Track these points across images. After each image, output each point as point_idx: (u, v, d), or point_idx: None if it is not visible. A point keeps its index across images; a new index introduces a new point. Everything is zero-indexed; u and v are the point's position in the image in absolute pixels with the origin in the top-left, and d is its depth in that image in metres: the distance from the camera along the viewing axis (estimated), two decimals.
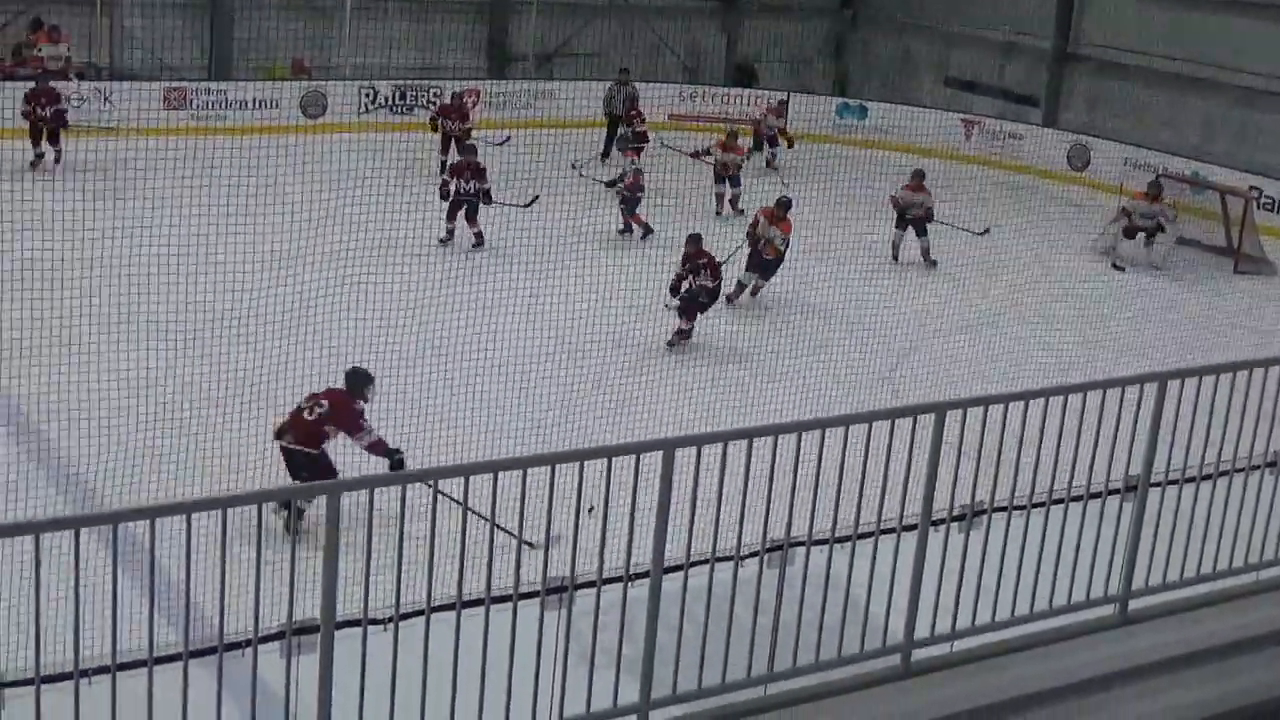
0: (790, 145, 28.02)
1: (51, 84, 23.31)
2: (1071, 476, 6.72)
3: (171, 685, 4.90)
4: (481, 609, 5.38)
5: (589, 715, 5.66)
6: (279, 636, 5.23)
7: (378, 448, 11.31)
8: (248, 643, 5.02)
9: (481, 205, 20.57)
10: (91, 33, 27.20)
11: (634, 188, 22.30)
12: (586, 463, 5.42)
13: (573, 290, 16.70)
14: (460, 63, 30.30)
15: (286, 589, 5.06)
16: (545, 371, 15.08)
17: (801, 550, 6.13)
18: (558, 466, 5.39)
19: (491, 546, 5.35)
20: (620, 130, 27.01)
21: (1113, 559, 6.72)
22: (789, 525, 6.02)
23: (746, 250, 19.60)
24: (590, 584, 5.73)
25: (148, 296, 14.16)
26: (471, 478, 5.24)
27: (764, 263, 19.40)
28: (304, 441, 10.96)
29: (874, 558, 6.09)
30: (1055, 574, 6.57)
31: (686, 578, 5.74)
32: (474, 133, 24.27)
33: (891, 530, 6.13)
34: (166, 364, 13.44)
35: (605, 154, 27.20)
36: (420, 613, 5.30)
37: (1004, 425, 6.29)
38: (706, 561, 5.80)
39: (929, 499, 6.14)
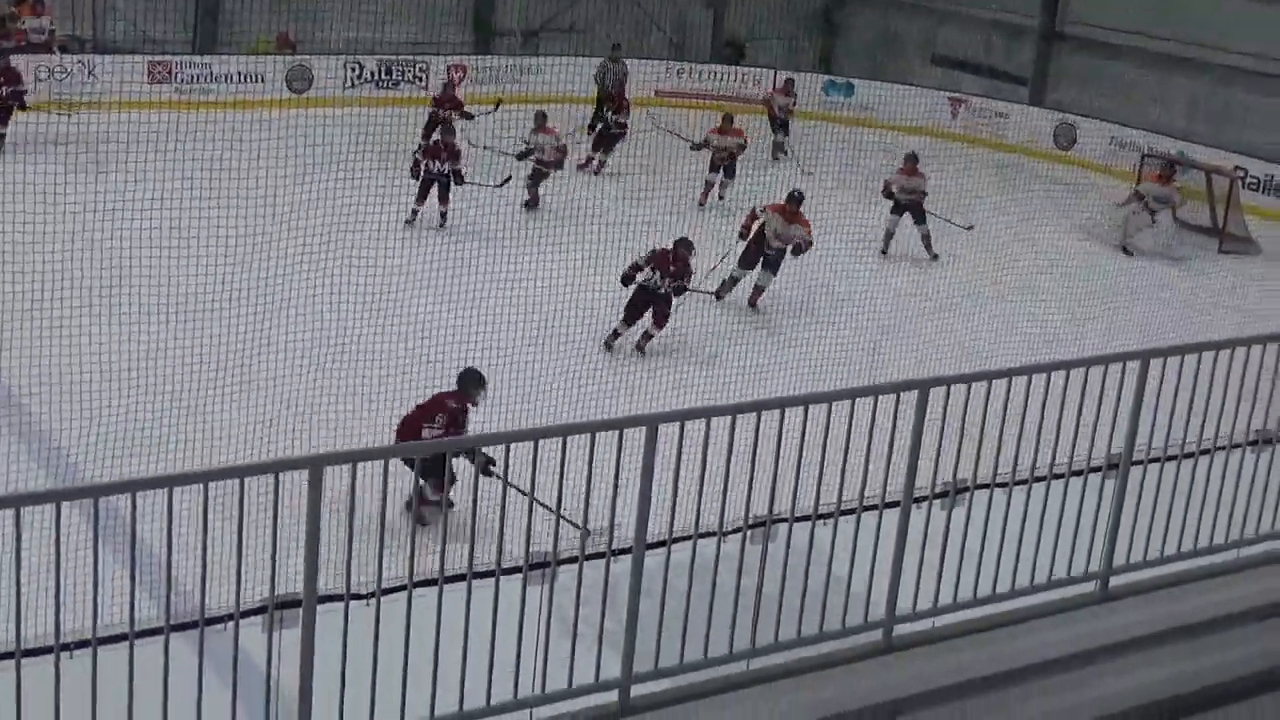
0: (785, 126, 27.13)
1: (13, 63, 23.08)
2: (1054, 454, 6.74)
3: (152, 659, 4.90)
4: (463, 584, 5.38)
5: (571, 690, 5.67)
6: (261, 611, 5.22)
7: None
8: (229, 617, 5.02)
9: (453, 185, 20.48)
10: (75, 6, 27.02)
11: (549, 164, 21.61)
12: (570, 439, 5.43)
13: (553, 270, 16.65)
14: (446, 38, 30.19)
15: (268, 563, 5.05)
16: (524, 350, 15.05)
17: (784, 526, 6.14)
18: (541, 442, 5.39)
19: (474, 521, 5.35)
20: (605, 113, 25.86)
21: (1094, 536, 6.74)
22: (772, 501, 6.03)
23: (741, 249, 18.40)
24: (573, 559, 5.75)
25: (130, 271, 14.10)
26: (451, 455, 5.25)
27: (777, 260, 18.32)
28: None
29: (856, 534, 6.10)
30: (1037, 551, 6.59)
31: (669, 553, 5.74)
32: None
33: (874, 507, 6.15)
34: (148, 338, 13.38)
35: (591, 126, 27.11)
36: (402, 588, 5.30)
37: (986, 403, 6.30)
38: (689, 537, 5.80)
39: (911, 475, 6.16)
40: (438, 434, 11.14)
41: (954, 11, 31.73)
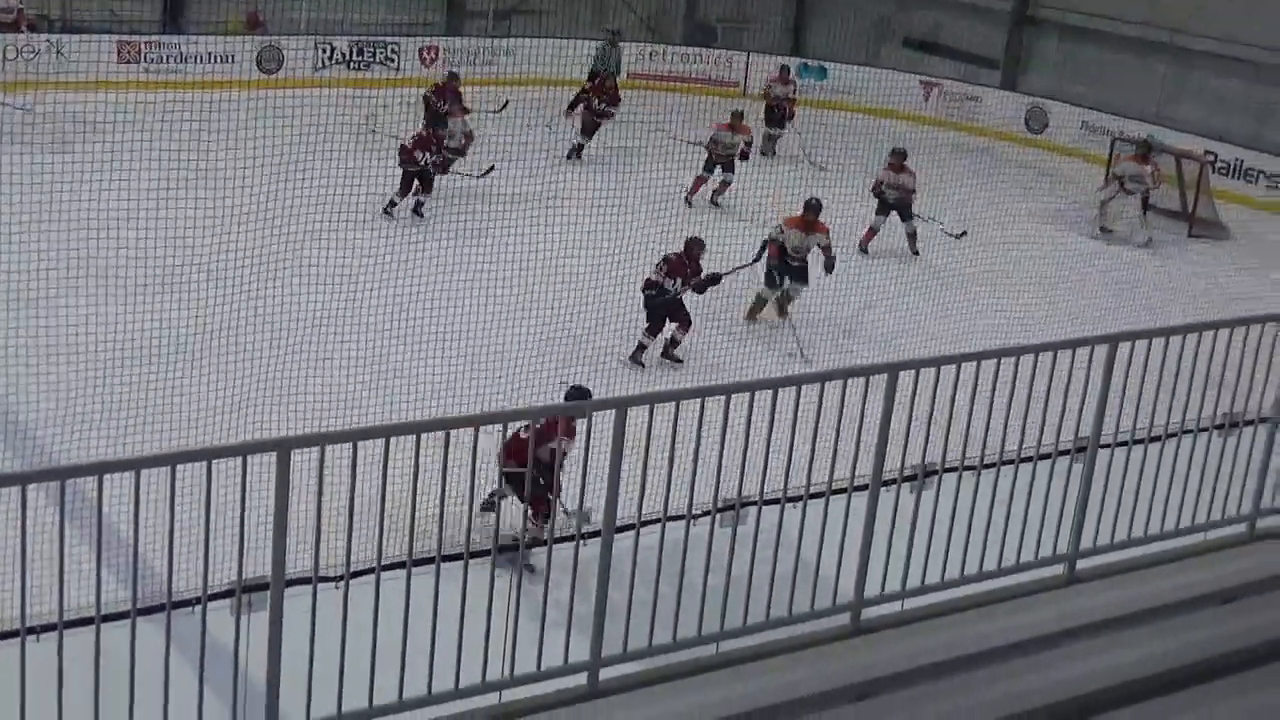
0: (791, 119, 26.17)
1: None
2: (1022, 437, 6.76)
3: (120, 642, 4.89)
4: (431, 567, 5.38)
5: (540, 672, 5.68)
6: (228, 594, 5.21)
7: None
8: (197, 600, 5.00)
9: (436, 176, 20.40)
10: None
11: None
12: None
13: (529, 257, 16.63)
14: (417, 19, 30.08)
15: (236, 546, 5.03)
16: (501, 331, 15.03)
17: (753, 509, 6.15)
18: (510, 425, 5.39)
19: (443, 505, 5.34)
20: (591, 100, 25.05)
21: (1061, 519, 6.77)
22: (741, 484, 6.04)
23: (764, 264, 17.24)
24: (542, 543, 5.75)
25: (98, 250, 14.02)
26: (423, 437, 5.24)
27: (803, 270, 17.38)
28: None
29: (825, 517, 6.11)
30: (1004, 534, 6.62)
31: (638, 536, 5.75)
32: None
33: (843, 490, 6.16)
34: (116, 319, 13.31)
35: (572, 106, 27.10)
36: (370, 571, 5.29)
37: (955, 386, 6.31)
38: (659, 520, 5.81)
39: (880, 459, 6.17)
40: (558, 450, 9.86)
41: None
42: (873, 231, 20.82)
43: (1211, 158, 25.63)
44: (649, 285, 15.83)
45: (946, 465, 6.44)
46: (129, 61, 25.64)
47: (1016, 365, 6.42)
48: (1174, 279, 20.82)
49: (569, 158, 23.87)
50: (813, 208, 17.38)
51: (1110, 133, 26.35)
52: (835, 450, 6.09)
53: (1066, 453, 6.97)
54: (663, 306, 15.80)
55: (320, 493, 5.00)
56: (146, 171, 14.28)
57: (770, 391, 5.86)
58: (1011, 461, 6.69)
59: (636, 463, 5.57)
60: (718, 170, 22.22)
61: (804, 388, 5.93)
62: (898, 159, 20.94)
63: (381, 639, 5.34)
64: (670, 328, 15.88)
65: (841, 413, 6.06)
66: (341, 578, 5.20)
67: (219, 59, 26.71)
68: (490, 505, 8.97)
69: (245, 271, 13.76)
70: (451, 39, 29.72)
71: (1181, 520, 7.08)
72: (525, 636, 5.64)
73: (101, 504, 4.76)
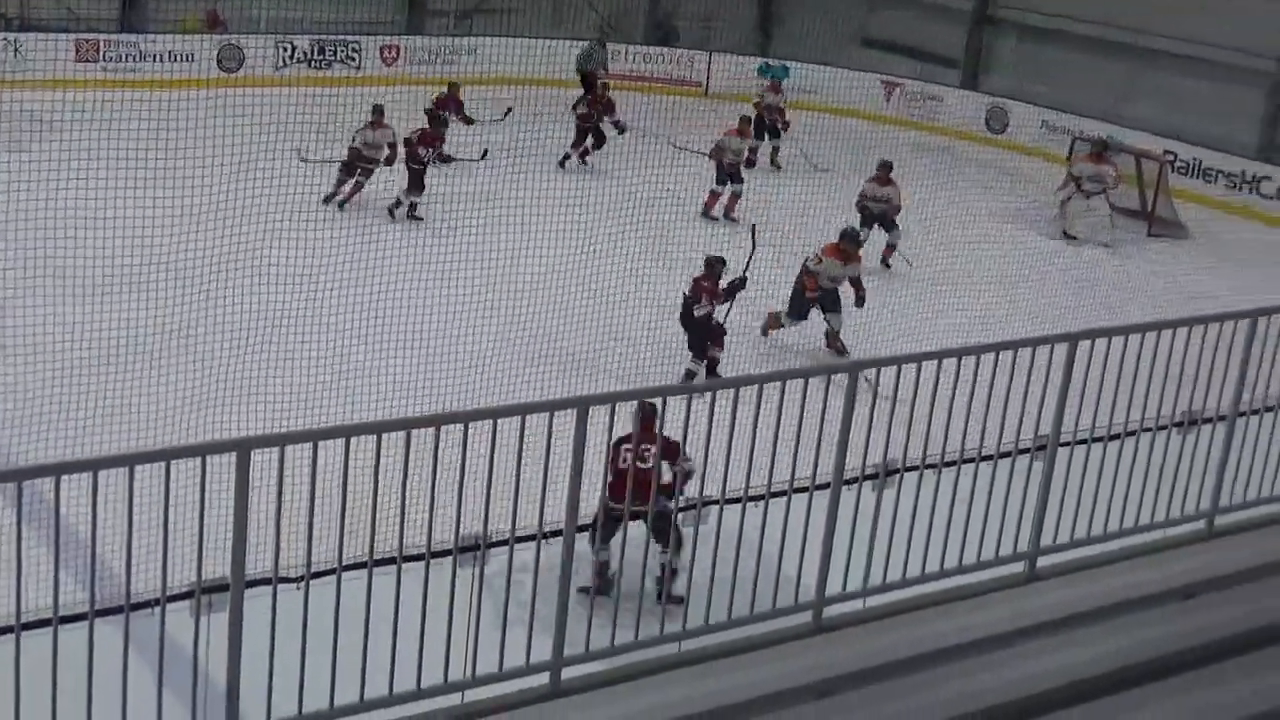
0: (785, 128, 25.47)
1: None
2: (982, 436, 6.79)
3: (78, 645, 4.85)
4: (393, 568, 5.36)
5: (502, 673, 5.67)
6: (188, 595, 5.18)
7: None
8: (156, 601, 4.97)
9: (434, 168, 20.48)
10: None
11: (378, 162, 20.38)
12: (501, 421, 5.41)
13: (499, 252, 16.59)
14: (378, 17, 29.98)
15: (195, 547, 5.00)
16: (463, 331, 14.99)
17: (715, 509, 6.15)
18: (471, 425, 5.38)
19: (404, 505, 5.32)
20: (595, 113, 24.61)
21: (1022, 517, 6.80)
22: (703, 483, 6.04)
23: (794, 294, 16.55)
24: (503, 542, 5.74)
25: (56, 250, 13.92)
26: (384, 436, 5.22)
27: (834, 298, 16.56)
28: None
29: (787, 516, 6.12)
30: (965, 532, 6.64)
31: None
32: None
33: (804, 489, 6.17)
34: (73, 319, 13.23)
35: (575, 108, 27.19)
36: (331, 571, 5.27)
37: (916, 385, 6.33)
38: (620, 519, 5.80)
39: (841, 457, 6.18)
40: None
41: None
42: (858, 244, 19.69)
43: (1171, 157, 25.77)
44: (685, 312, 15.59)
45: (908, 464, 6.46)
46: (87, 60, 25.49)
47: (977, 364, 6.45)
48: (1133, 278, 20.93)
49: (561, 166, 23.71)
50: (851, 238, 16.87)
51: (1070, 132, 26.47)
52: (796, 450, 6.10)
53: (1027, 451, 7.00)
54: (701, 329, 15.56)
55: (280, 493, 4.98)
56: (105, 171, 14.19)
57: (731, 392, 5.87)
58: (972, 460, 6.71)
59: (598, 461, 5.57)
60: (729, 183, 21.62)
61: (765, 387, 5.93)
62: (884, 171, 20.52)
63: (343, 639, 5.32)
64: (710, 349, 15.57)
65: (802, 412, 6.08)
66: (302, 578, 5.18)
67: (178, 58, 26.54)
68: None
69: (205, 271, 13.71)
70: (413, 38, 29.65)
71: (1141, 517, 7.12)
72: (487, 636, 5.63)
73: (59, 505, 4.72)
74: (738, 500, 6.06)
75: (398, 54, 28.59)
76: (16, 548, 4.75)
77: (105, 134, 14.62)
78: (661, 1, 33.50)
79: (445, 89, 23.77)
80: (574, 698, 5.66)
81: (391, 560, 5.38)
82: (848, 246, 16.59)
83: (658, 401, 5.67)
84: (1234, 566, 7.09)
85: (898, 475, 6.54)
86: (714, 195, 21.58)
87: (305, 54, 27.92)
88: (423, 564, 5.45)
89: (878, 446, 6.45)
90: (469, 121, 23.03)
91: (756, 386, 5.88)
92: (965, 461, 6.69)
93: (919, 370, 6.32)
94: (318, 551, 5.14)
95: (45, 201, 13.52)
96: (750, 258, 15.69)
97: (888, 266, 20.32)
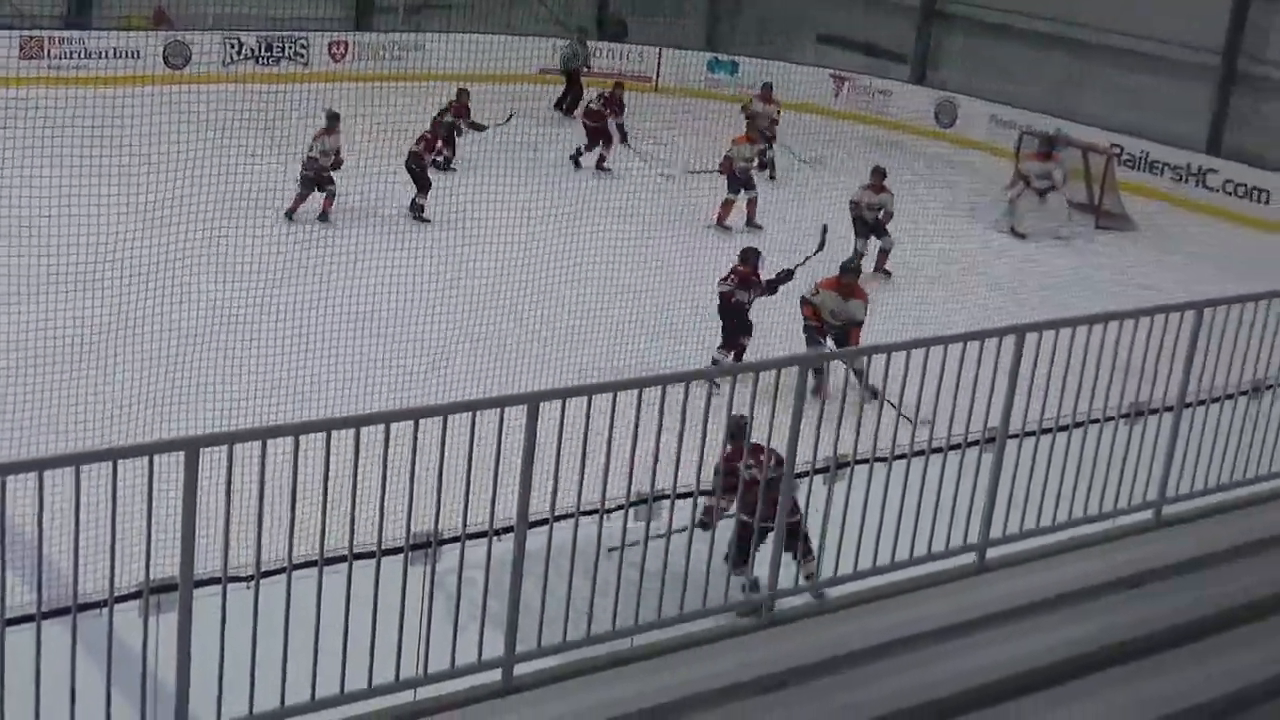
0: (773, 139, 24.83)
1: None
2: (932, 428, 6.82)
3: (25, 646, 4.81)
4: (344, 566, 5.34)
5: (454, 669, 5.66)
6: (136, 595, 5.15)
7: None
8: (104, 602, 4.93)
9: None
10: None
11: (323, 168, 20.15)
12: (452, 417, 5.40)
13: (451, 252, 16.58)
14: (326, 14, 29.82)
15: (143, 547, 4.97)
16: (411, 329, 14.95)
17: (666, 503, 6.16)
18: (422, 421, 5.36)
19: (354, 503, 5.30)
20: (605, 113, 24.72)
21: (972, 509, 6.83)
22: (654, 478, 6.05)
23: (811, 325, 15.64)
24: (455, 539, 5.72)
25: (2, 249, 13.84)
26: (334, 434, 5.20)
27: (843, 337, 15.42)
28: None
29: (737, 510, 6.13)
30: (915, 524, 6.67)
31: (551, 531, 5.73)
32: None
33: (756, 482, 6.18)
34: (19, 318, 13.13)
35: (563, 108, 27.68)
36: (281, 570, 5.24)
37: (865, 378, 6.36)
38: (571, 516, 5.80)
39: (792, 451, 6.20)
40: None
41: None
42: (858, 255, 19.73)
43: (1117, 151, 25.96)
44: (724, 299, 15.68)
45: (858, 457, 6.48)
46: (32, 57, 25.27)
47: (926, 357, 6.47)
48: (1081, 270, 21.10)
49: (575, 167, 23.90)
50: (851, 270, 16.09)
51: (1018, 126, 26.66)
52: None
53: (976, 443, 7.03)
54: (738, 315, 15.68)
55: (229, 492, 4.95)
56: (50, 169, 14.09)
57: (683, 385, 5.87)
58: (922, 453, 6.75)
59: (550, 458, 5.56)
60: (742, 191, 21.45)
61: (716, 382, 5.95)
62: (877, 178, 20.31)
63: (293, 639, 5.30)
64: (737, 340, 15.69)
65: (753, 406, 6.09)
66: (251, 578, 5.15)
67: (125, 55, 26.33)
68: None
69: (152, 269, 13.61)
70: (361, 34, 29.55)
71: (1090, 508, 7.17)
72: (439, 634, 5.62)
73: (5, 506, 4.68)
74: (689, 494, 6.07)
75: (346, 50, 28.49)
76: None
77: (50, 131, 14.53)
78: None
79: (455, 96, 23.76)
80: (526, 694, 5.65)
81: (342, 558, 5.36)
82: (848, 280, 15.73)
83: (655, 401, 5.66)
84: (1181, 555, 7.15)
85: (848, 468, 6.56)
86: (728, 205, 21.42)
87: (253, 50, 27.78)
88: (374, 562, 5.42)
89: (828, 440, 6.46)
90: (479, 128, 23.21)
91: (706, 381, 5.90)
92: (915, 454, 6.72)
93: (868, 364, 6.35)
94: (267, 550, 5.11)
95: None
96: (810, 256, 15.63)
97: (886, 274, 20.16)
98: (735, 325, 15.70)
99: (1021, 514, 6.93)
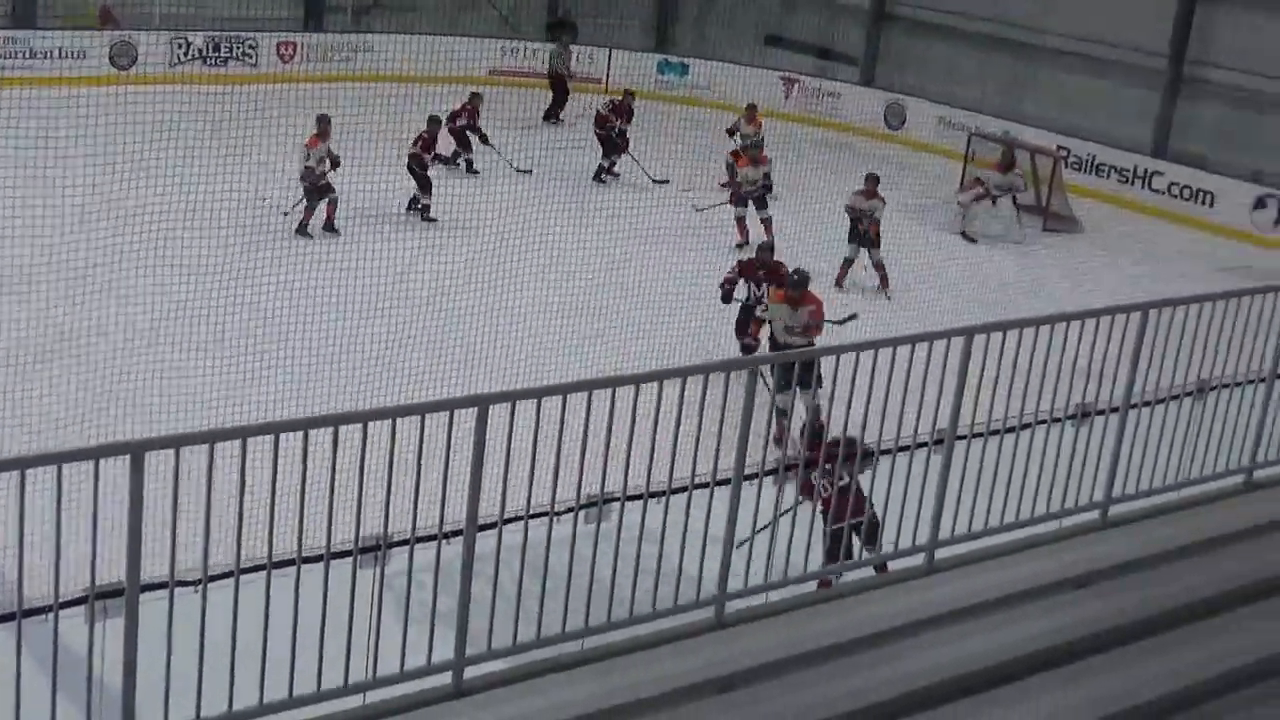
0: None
1: None
2: (881, 430, 6.85)
3: None
4: (292, 570, 5.31)
5: (404, 673, 5.64)
6: (82, 600, 5.10)
7: None
8: (49, 608, 4.89)
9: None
10: None
11: (320, 175, 20.17)
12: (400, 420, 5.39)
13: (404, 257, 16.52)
14: (274, 14, 29.69)
15: (89, 552, 4.93)
16: (359, 330, 14.90)
17: (616, 505, 6.16)
18: (370, 424, 5.34)
19: (302, 506, 5.27)
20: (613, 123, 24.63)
21: (920, 510, 6.86)
22: (604, 480, 6.04)
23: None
24: (404, 542, 5.70)
25: None
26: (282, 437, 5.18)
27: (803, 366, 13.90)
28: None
29: (688, 512, 6.14)
30: (863, 527, 6.70)
31: (501, 534, 5.72)
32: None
33: (706, 485, 6.19)
34: None
35: (549, 116, 27.75)
36: (229, 574, 5.21)
37: (815, 381, 6.37)
38: (521, 518, 5.79)
39: (741, 454, 6.21)
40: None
41: None
42: (847, 262, 19.94)
43: (1064, 153, 26.16)
44: (728, 284, 16.21)
45: (807, 459, 6.50)
46: None
47: (875, 359, 6.50)
48: (1029, 272, 21.23)
49: (597, 179, 23.90)
50: (798, 282, 15.02)
51: (966, 128, 26.80)
52: (698, 445, 6.11)
53: (925, 445, 7.06)
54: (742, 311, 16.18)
55: (176, 496, 4.92)
56: None
57: (632, 388, 5.87)
58: (870, 454, 6.77)
59: (499, 460, 5.55)
60: (750, 206, 21.25)
61: (665, 384, 5.94)
62: (871, 184, 20.24)
63: (241, 643, 5.27)
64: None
65: (703, 407, 6.10)
66: (199, 581, 5.11)
67: (70, 54, 26.12)
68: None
69: (98, 271, 13.51)
70: (310, 35, 29.41)
71: (1037, 509, 7.21)
72: (388, 637, 5.60)
73: None
74: (639, 497, 6.06)
75: (294, 51, 28.35)
76: None
77: None
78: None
79: (467, 99, 23.93)
80: (476, 697, 5.64)
81: (290, 562, 5.33)
82: (794, 293, 14.93)
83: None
84: (1127, 555, 7.21)
85: (797, 470, 6.58)
86: (740, 221, 21.27)
87: (200, 51, 27.60)
88: (322, 565, 5.40)
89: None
90: (484, 139, 23.43)
91: (656, 383, 5.90)
92: (864, 455, 6.74)
93: (817, 366, 6.36)
94: (214, 554, 5.07)
95: None
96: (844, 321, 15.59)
97: (884, 288, 20.00)
98: (743, 323, 16.12)
99: (970, 515, 6.96)
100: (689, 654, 6.05)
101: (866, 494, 7.96)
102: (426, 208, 20.84)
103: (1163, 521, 7.59)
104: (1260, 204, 24.60)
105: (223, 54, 27.83)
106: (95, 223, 14.12)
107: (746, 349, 15.87)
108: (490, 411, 5.49)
